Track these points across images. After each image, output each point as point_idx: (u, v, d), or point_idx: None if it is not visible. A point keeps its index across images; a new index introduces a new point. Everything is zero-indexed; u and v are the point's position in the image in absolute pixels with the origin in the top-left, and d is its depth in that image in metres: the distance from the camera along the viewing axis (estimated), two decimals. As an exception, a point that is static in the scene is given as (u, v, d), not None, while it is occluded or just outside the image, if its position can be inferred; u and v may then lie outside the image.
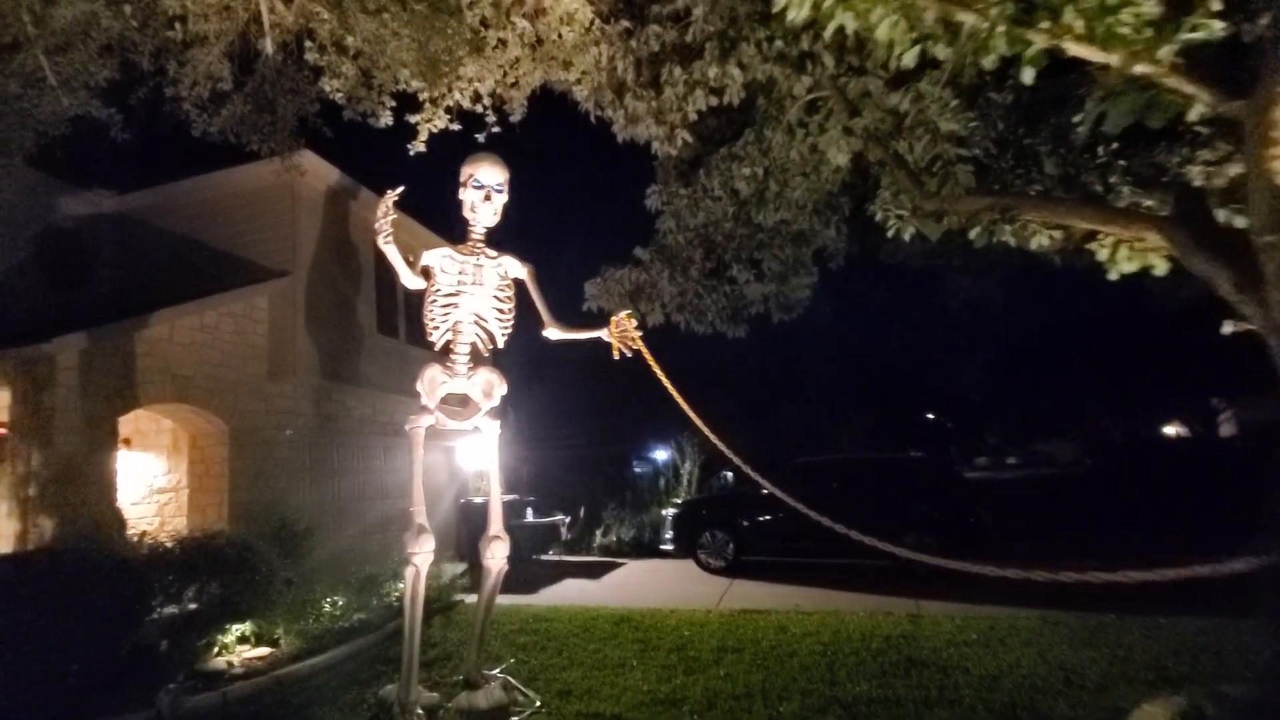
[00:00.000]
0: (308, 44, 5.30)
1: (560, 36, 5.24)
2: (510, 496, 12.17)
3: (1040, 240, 4.87)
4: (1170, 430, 41.66)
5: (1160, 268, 4.30)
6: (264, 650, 5.93)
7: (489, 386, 4.62)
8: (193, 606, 6.09)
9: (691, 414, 4.49)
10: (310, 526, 8.01)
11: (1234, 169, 3.99)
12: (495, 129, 5.61)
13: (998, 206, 4.74)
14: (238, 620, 6.08)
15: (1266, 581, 3.22)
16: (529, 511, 12.59)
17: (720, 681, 5.13)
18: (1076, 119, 3.89)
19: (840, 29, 3.24)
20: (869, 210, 5.76)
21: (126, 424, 7.40)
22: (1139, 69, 2.95)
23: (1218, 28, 2.73)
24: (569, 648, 6.14)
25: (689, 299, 7.25)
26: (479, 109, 5.58)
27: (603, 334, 4.78)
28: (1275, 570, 3.10)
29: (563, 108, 5.96)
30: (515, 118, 5.73)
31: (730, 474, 15.25)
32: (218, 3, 4.93)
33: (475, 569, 6.42)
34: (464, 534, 11.34)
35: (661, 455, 17.91)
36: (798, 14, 3.24)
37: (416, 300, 4.80)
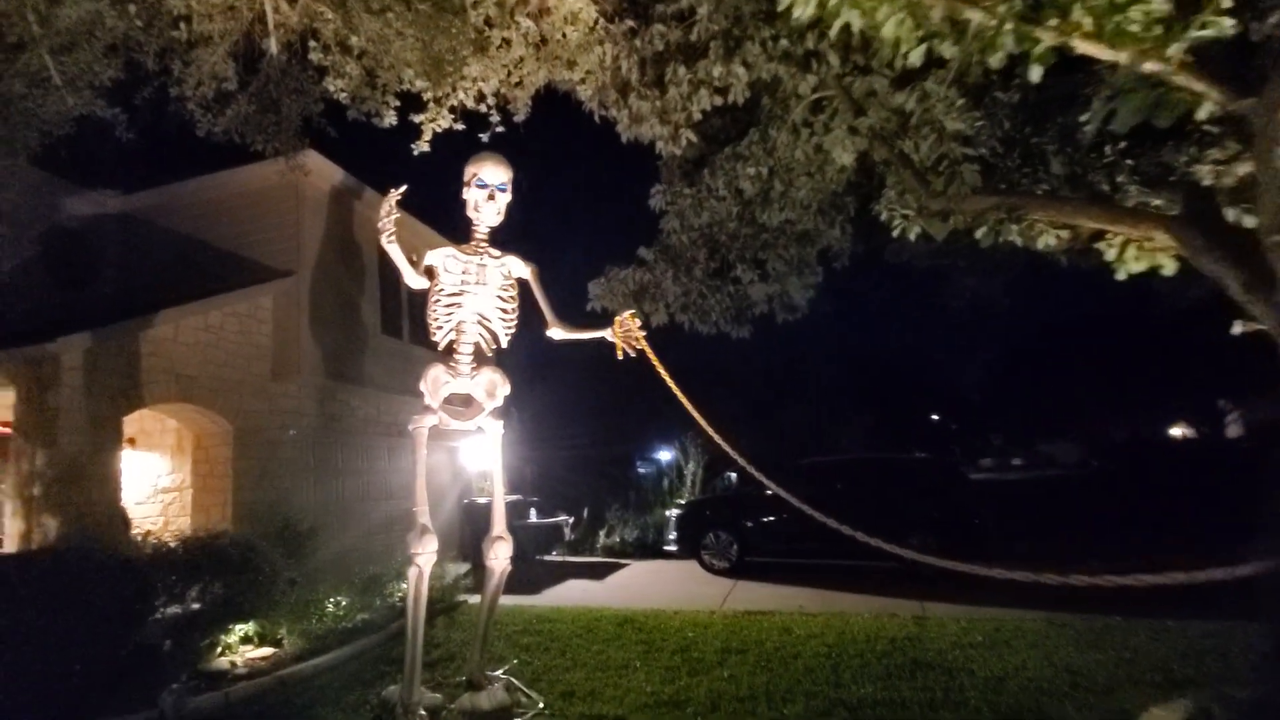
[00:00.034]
0: (312, 44, 5.30)
1: (564, 36, 5.23)
2: (514, 497, 12.18)
3: (1047, 240, 4.83)
4: (1176, 431, 41.49)
5: (1169, 267, 4.26)
6: (267, 650, 5.93)
7: (492, 386, 4.60)
8: (196, 606, 6.09)
9: (695, 414, 4.47)
10: (314, 526, 8.01)
11: (1243, 168, 3.95)
12: (499, 129, 5.60)
13: (1004, 206, 4.71)
14: (241, 620, 6.08)
15: (1269, 583, 3.19)
16: (532, 512, 12.61)
17: (724, 683, 5.11)
18: (1083, 118, 3.86)
19: (846, 27, 3.22)
20: (874, 210, 5.73)
21: (131, 424, 7.42)
22: (1148, 67, 2.92)
23: (1227, 25, 2.70)
24: (572, 649, 6.13)
25: (693, 299, 7.22)
26: (483, 108, 5.58)
27: (606, 334, 4.76)
28: (1277, 573, 3.07)
29: (567, 107, 5.96)
30: (519, 117, 5.73)
31: (734, 474, 15.24)
32: (222, 2, 4.93)
33: (479, 569, 6.41)
34: (467, 534, 11.34)
35: (665, 455, 17.90)
36: (803, 12, 3.22)
37: (420, 300, 4.79)
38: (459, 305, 4.51)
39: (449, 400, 4.57)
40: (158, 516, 8.59)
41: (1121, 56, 2.90)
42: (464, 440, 11.56)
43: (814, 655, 5.72)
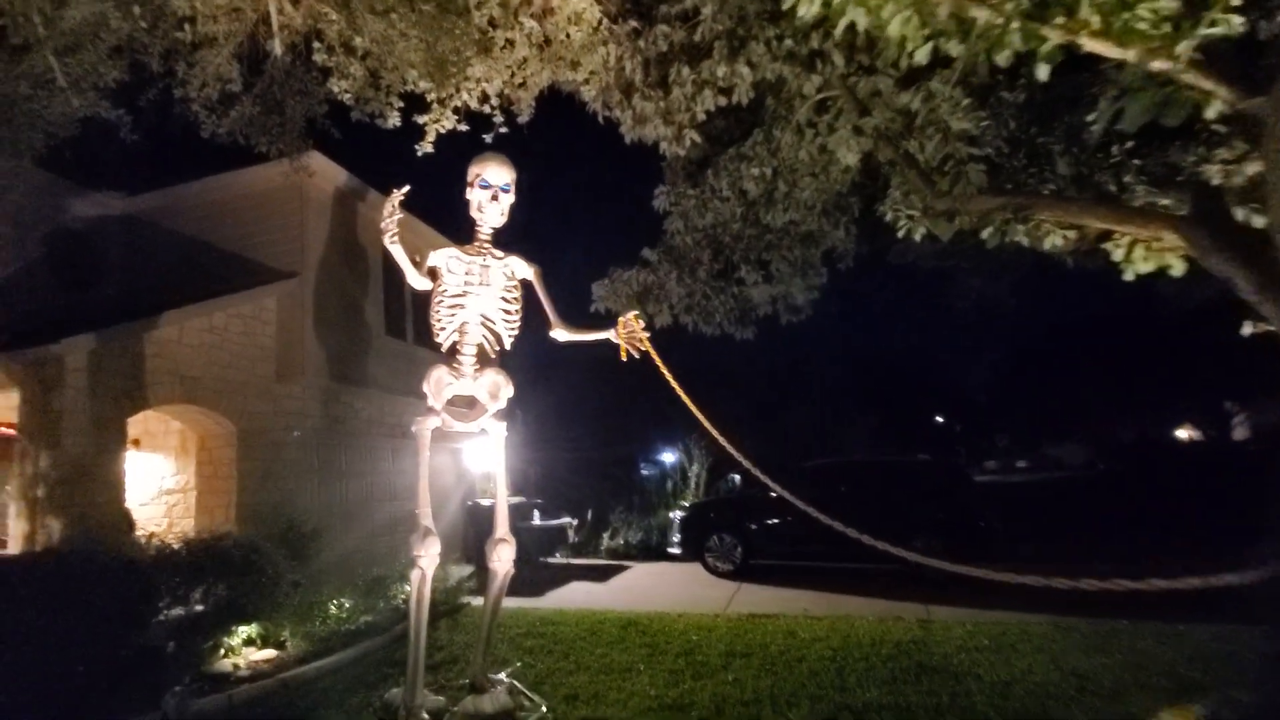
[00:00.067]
0: (316, 45, 5.31)
1: (568, 36, 5.22)
2: (517, 499, 12.17)
3: (1054, 240, 4.79)
4: (1183, 434, 41.28)
5: (1177, 268, 4.22)
6: (270, 652, 5.92)
7: (496, 388, 4.58)
8: (199, 608, 6.09)
9: (699, 416, 4.45)
10: (317, 528, 8.00)
11: (1252, 167, 3.92)
12: (503, 129, 5.60)
13: (1010, 206, 4.67)
14: (244, 622, 6.07)
15: (1275, 587, 3.15)
16: (536, 514, 12.58)
17: (728, 687, 5.09)
18: (1090, 117, 3.83)
19: (851, 26, 3.19)
20: (879, 211, 5.71)
21: (135, 425, 7.42)
22: (1156, 65, 2.89)
23: (1236, 23, 2.67)
24: (575, 651, 6.11)
25: (697, 300, 7.22)
26: (486, 109, 5.57)
27: (610, 335, 4.73)
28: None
29: (570, 108, 5.96)
30: (523, 118, 5.72)
31: (738, 477, 15.21)
32: (227, 4, 4.94)
33: (482, 571, 6.40)
34: (471, 536, 11.32)
35: (669, 458, 17.86)
36: (808, 11, 3.20)
37: (424, 302, 4.78)
38: (462, 306, 4.49)
39: (452, 402, 4.55)
40: (162, 518, 8.59)
41: (1129, 54, 2.87)
42: (467, 442, 11.55)
43: (819, 659, 5.69)
